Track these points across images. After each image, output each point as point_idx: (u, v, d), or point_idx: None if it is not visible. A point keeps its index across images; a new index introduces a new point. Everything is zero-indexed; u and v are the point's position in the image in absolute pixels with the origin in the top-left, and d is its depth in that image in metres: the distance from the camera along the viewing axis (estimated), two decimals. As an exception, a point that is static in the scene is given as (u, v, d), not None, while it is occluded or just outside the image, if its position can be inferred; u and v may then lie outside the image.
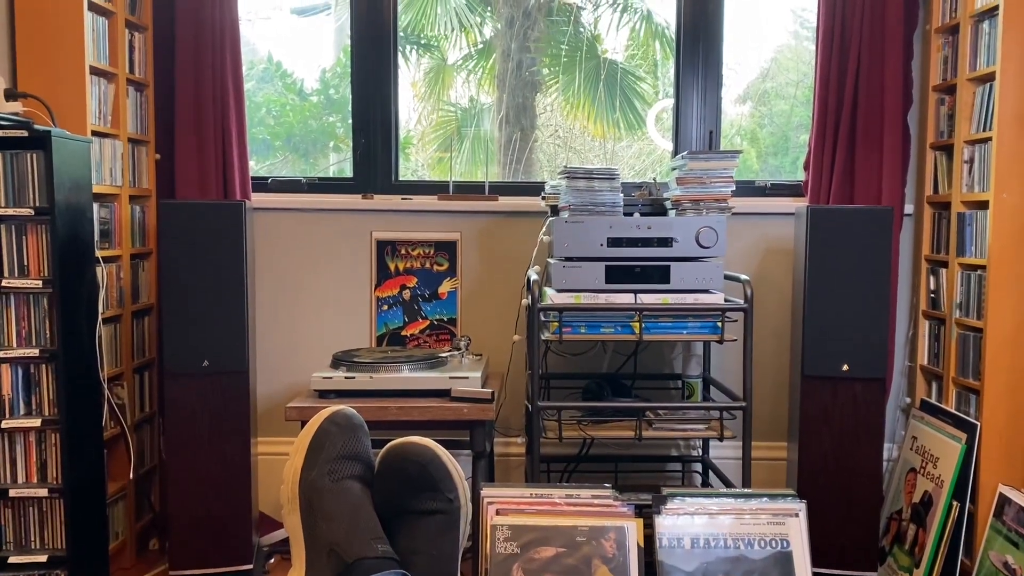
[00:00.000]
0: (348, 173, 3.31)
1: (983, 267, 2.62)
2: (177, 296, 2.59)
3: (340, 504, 1.21)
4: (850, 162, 2.93)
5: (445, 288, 3.11)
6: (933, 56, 2.95)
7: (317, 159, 3.80)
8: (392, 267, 3.11)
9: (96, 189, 2.59)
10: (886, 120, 2.89)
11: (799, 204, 3.01)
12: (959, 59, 2.78)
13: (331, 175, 3.63)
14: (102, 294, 2.58)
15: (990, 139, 2.60)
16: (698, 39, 3.18)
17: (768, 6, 3.41)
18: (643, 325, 2.54)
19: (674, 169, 2.76)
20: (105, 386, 2.60)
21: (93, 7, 2.64)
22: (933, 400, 2.89)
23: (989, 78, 2.63)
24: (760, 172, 3.53)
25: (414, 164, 3.78)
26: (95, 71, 2.66)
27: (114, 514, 2.76)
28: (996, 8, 2.57)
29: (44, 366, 2.37)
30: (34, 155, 2.32)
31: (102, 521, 2.55)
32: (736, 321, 2.58)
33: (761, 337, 3.06)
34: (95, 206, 2.59)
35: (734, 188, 2.67)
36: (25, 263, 2.35)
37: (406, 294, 3.11)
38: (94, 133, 2.65)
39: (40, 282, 2.34)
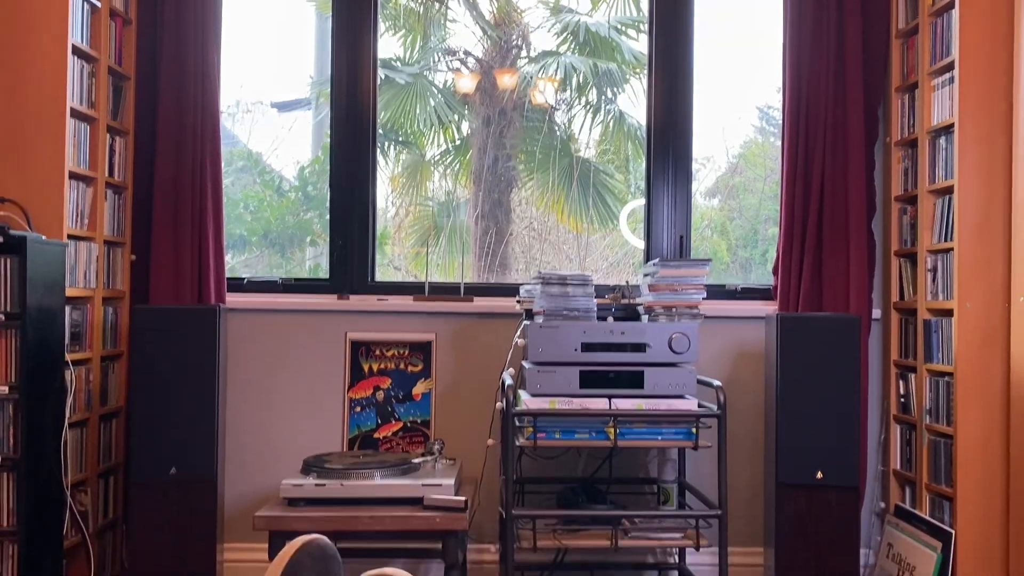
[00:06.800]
0: (324, 267, 3.31)
1: (951, 374, 2.67)
2: (147, 402, 2.56)
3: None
4: (818, 268, 3.00)
5: (419, 389, 3.10)
6: (894, 167, 3.05)
7: (293, 253, 3.82)
8: (366, 368, 3.09)
9: (69, 292, 2.58)
10: (851, 227, 2.97)
11: (769, 309, 3.06)
12: (919, 172, 2.88)
13: (307, 271, 3.64)
14: (70, 399, 2.54)
15: (952, 249, 2.67)
16: (668, 141, 3.26)
17: (734, 102, 3.52)
18: (618, 431, 2.54)
19: (646, 275, 2.80)
20: (68, 494, 2.53)
21: (76, 114, 2.68)
22: (907, 506, 2.89)
23: (948, 191, 2.72)
24: (731, 264, 3.59)
25: (391, 256, 3.81)
26: (74, 175, 2.68)
27: (71, 627, 2.65)
28: (952, 126, 2.68)
29: (6, 475, 2.30)
30: (8, 259, 2.32)
31: (57, 637, 2.45)
32: (710, 428, 2.58)
33: (735, 441, 3.06)
34: (67, 309, 2.57)
35: (704, 295, 2.72)
36: (-8, 368, 2.31)
37: (380, 395, 3.09)
38: (70, 236, 2.65)
39: (7, 388, 2.30)
